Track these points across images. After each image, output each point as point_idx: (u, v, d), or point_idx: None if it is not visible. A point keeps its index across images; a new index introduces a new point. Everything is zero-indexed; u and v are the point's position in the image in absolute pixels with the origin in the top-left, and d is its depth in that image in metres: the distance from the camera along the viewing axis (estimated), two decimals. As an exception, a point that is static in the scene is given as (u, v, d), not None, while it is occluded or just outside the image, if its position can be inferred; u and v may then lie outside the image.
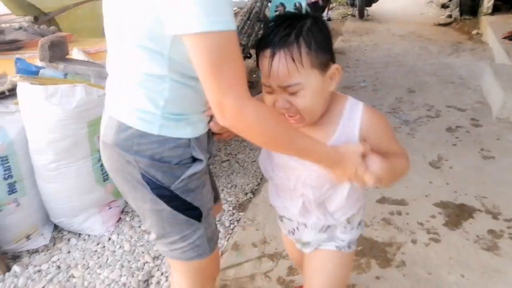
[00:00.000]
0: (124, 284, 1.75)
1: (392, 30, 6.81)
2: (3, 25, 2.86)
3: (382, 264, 1.80)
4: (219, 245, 1.94)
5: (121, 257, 1.90)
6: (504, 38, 4.93)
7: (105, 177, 2.01)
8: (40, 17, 3.24)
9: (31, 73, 1.89)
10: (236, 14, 3.76)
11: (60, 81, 1.88)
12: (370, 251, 1.87)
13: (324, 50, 0.88)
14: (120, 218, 2.16)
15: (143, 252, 1.93)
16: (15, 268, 1.82)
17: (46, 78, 1.88)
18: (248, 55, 3.87)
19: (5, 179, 1.79)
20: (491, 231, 1.98)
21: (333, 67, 0.90)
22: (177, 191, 0.96)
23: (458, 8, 7.16)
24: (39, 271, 1.83)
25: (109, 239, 2.02)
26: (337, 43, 5.92)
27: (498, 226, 2.02)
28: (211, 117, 1.00)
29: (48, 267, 1.85)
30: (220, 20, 0.74)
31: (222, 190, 2.43)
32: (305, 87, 0.87)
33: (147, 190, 0.95)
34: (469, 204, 2.20)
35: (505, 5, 6.48)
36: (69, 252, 1.94)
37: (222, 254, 1.91)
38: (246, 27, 3.71)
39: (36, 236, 1.95)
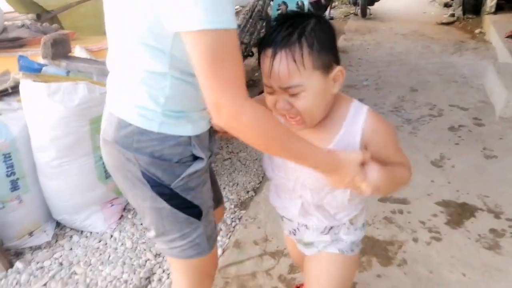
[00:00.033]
0: (126, 281, 1.75)
1: (395, 29, 6.80)
2: (6, 22, 2.87)
3: (383, 262, 1.80)
4: (220, 242, 1.96)
5: (123, 254, 1.91)
6: (507, 37, 4.91)
7: (107, 175, 2.02)
8: (42, 15, 3.25)
9: (34, 71, 1.90)
10: (238, 12, 3.76)
11: (63, 79, 1.89)
12: (371, 250, 1.86)
13: (327, 51, 0.85)
14: (122, 215, 2.17)
15: (144, 249, 1.93)
16: (18, 264, 1.83)
17: (48, 76, 1.89)
18: (250, 54, 3.87)
19: (7, 176, 1.80)
20: (493, 230, 1.98)
21: (337, 69, 0.88)
22: (177, 190, 0.95)
23: (461, 7, 7.14)
24: (41, 267, 1.84)
25: (111, 236, 2.03)
26: (340, 42, 5.91)
27: (500, 225, 2.02)
28: None
29: (51, 264, 1.86)
30: (221, 18, 0.73)
31: (224, 188, 2.44)
32: (306, 89, 0.85)
33: (147, 188, 0.95)
34: (471, 203, 2.20)
35: (508, 4, 6.45)
36: (71, 249, 1.95)
37: (223, 252, 1.91)
38: (248, 25, 3.70)
39: (38, 233, 1.96)
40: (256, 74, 4.18)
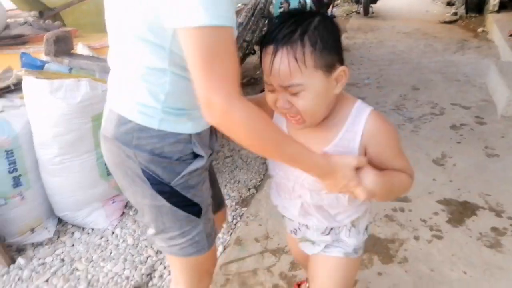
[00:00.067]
0: (127, 278, 1.76)
1: (397, 27, 6.79)
2: (8, 20, 2.88)
3: (384, 260, 1.80)
4: (222, 240, 1.96)
5: (125, 251, 1.92)
6: (510, 35, 4.90)
7: (109, 172, 2.01)
8: (45, 12, 3.26)
9: (36, 68, 1.90)
10: (240, 10, 3.76)
11: (65, 76, 1.89)
12: (372, 247, 1.87)
13: (330, 51, 0.83)
14: (123, 212, 2.17)
15: (146, 246, 1.94)
16: (20, 260, 1.84)
17: (51, 73, 1.90)
18: (252, 51, 3.87)
19: (10, 172, 1.81)
20: (494, 229, 1.98)
21: (340, 69, 0.85)
22: (177, 188, 0.95)
23: (463, 6, 7.13)
24: (43, 263, 1.85)
25: (113, 233, 2.04)
26: (342, 40, 5.91)
27: (501, 223, 2.02)
28: None
29: (52, 260, 1.87)
30: (218, 15, 0.72)
31: (225, 185, 2.44)
32: (307, 88, 0.83)
33: (147, 186, 0.94)
34: (473, 202, 2.20)
35: (511, 2, 6.43)
36: (73, 245, 1.96)
37: (224, 249, 1.92)
38: (250, 23, 3.70)
39: (40, 229, 1.97)
40: (258, 72, 4.18)
